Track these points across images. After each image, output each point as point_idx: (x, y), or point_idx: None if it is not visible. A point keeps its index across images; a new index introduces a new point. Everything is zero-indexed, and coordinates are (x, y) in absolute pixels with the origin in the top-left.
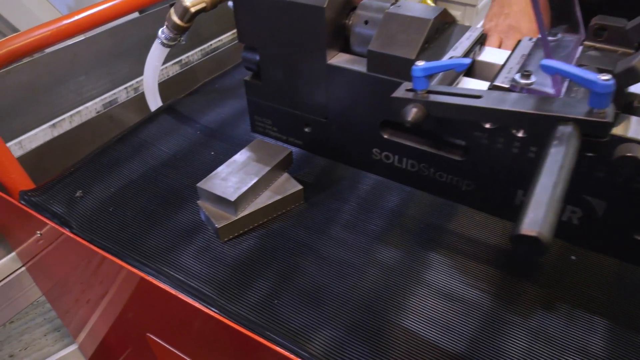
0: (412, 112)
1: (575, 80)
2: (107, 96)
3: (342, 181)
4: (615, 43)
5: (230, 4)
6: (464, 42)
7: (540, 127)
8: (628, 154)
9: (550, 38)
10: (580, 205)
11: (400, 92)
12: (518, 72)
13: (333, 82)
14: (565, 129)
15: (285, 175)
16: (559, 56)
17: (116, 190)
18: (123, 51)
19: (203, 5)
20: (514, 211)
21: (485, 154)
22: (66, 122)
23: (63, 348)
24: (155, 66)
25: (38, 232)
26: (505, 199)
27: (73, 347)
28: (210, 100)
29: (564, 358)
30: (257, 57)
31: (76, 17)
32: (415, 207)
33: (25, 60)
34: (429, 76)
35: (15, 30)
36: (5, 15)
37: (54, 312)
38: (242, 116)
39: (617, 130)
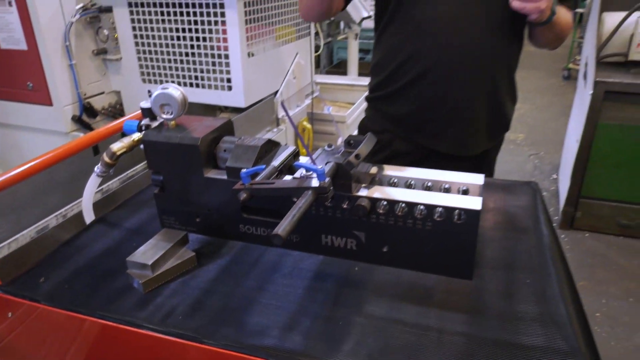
0: (242, 196)
1: (307, 169)
2: (40, 224)
3: (222, 248)
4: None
5: (141, 146)
6: (282, 155)
7: (300, 194)
8: (357, 204)
9: (327, 148)
10: (353, 237)
11: (237, 186)
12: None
13: (209, 187)
14: (307, 192)
15: (184, 248)
16: (324, 158)
17: (66, 277)
18: (55, 185)
19: (124, 149)
20: (321, 249)
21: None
22: (4, 249)
23: None
24: (92, 191)
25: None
26: (317, 240)
27: None
28: (132, 211)
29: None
30: (161, 178)
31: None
32: (268, 256)
33: None
34: (251, 176)
35: None
36: None
37: None
38: (155, 218)
39: (355, 192)
